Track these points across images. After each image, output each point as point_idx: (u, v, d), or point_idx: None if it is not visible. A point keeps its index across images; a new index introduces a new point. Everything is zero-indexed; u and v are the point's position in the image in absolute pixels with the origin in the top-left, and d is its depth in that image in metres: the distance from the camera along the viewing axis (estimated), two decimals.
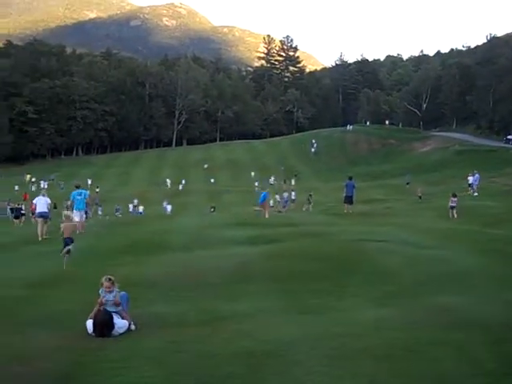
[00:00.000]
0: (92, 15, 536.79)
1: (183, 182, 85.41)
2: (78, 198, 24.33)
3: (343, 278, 11.62)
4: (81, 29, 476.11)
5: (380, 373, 5.89)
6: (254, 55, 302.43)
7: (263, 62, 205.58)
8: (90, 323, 7.99)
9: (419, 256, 13.81)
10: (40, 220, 23.63)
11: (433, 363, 6.10)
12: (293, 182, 78.91)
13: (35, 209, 25.44)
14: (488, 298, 9.52)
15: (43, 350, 7.03)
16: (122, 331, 8.00)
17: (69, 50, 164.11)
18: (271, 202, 50.64)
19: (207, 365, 6.22)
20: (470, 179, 47.49)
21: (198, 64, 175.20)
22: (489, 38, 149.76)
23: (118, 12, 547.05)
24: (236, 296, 10.45)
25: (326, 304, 9.53)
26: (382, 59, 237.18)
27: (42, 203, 24.18)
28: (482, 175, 48.42)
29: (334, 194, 52.59)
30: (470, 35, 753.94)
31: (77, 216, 24.00)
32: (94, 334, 7.87)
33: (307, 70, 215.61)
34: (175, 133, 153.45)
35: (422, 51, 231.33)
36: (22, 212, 43.50)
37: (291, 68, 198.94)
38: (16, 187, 77.67)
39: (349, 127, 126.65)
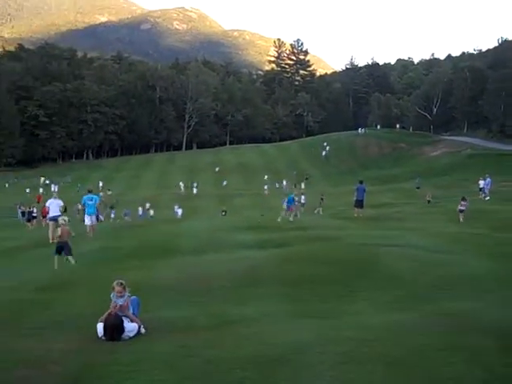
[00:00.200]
0: (103, 19, 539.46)
1: (195, 185, 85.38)
2: (89, 202, 24.55)
3: (353, 282, 11.57)
4: (92, 33, 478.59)
5: (392, 378, 5.85)
6: (264, 59, 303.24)
7: (273, 65, 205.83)
8: (100, 326, 7.99)
9: (430, 260, 13.74)
10: (51, 223, 23.65)
11: (445, 368, 6.06)
12: (303, 186, 78.82)
13: (48, 212, 25.53)
14: (499, 303, 9.45)
15: (53, 354, 7.04)
16: (132, 335, 8.00)
17: (80, 54, 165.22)
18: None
19: (218, 369, 6.20)
20: (481, 183, 47.26)
21: (209, 68, 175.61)
22: (500, 41, 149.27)
23: (129, 16, 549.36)
24: (246, 300, 10.43)
25: (336, 308, 9.49)
26: (392, 63, 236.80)
27: (54, 206, 24.29)
28: (493, 179, 48.17)
29: (344, 198, 52.47)
30: (481, 38, 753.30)
31: (88, 220, 24.20)
32: (104, 338, 7.87)
33: (317, 74, 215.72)
34: (185, 136, 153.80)
35: (432, 55, 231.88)
36: (34, 215, 43.64)
37: (301, 72, 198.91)
38: (27, 190, 78.06)
39: (361, 131, 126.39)
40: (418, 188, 63.39)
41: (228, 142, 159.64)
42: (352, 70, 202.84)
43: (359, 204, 33.32)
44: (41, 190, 76.73)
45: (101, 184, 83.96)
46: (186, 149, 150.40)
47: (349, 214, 36.38)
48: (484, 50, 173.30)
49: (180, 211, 54.94)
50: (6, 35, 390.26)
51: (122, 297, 8.33)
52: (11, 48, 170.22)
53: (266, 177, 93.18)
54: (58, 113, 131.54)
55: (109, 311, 8.22)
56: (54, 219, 23.64)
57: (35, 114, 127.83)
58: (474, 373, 5.98)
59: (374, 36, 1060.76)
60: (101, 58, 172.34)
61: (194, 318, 9.00)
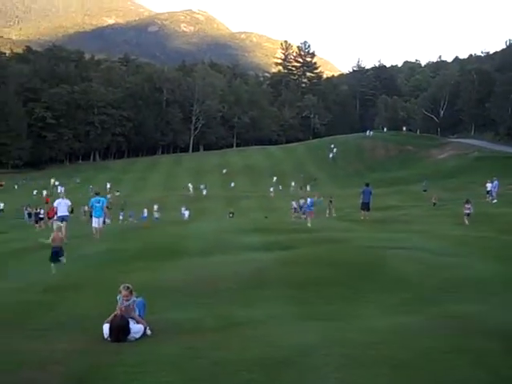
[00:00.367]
0: (110, 21, 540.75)
1: (202, 187, 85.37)
2: (97, 205, 24.76)
3: (359, 285, 11.57)
4: (99, 35, 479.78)
5: (397, 380, 5.86)
6: (271, 61, 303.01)
7: (280, 67, 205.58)
8: (106, 327, 8.01)
9: (436, 263, 13.73)
10: (60, 223, 23.76)
11: (450, 371, 6.06)
12: (308, 189, 78.73)
13: (56, 212, 25.82)
14: (505, 306, 9.44)
15: (58, 354, 7.07)
16: (137, 336, 8.02)
17: (87, 56, 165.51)
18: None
19: (225, 371, 6.22)
20: (489, 186, 47.11)
21: (215, 70, 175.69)
22: (508, 43, 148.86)
23: (137, 18, 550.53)
24: (252, 302, 10.44)
25: (342, 310, 9.49)
26: (399, 65, 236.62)
27: (62, 206, 24.59)
28: (500, 182, 48.02)
29: (350, 201, 52.40)
30: (488, 41, 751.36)
31: (95, 222, 24.39)
32: (109, 339, 7.89)
33: (324, 76, 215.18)
34: (192, 138, 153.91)
35: (440, 57, 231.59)
36: (41, 216, 43.80)
37: (308, 74, 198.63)
38: (34, 192, 78.21)
39: (368, 133, 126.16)
40: (424, 191, 63.18)
41: (235, 144, 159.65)
42: (359, 73, 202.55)
43: (365, 207, 33.28)
44: (44, 193, 76.68)
45: (108, 185, 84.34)
46: (193, 151, 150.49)
47: (355, 216, 36.34)
48: (491, 52, 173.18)
49: (187, 213, 54.86)
50: (14, 37, 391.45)
51: (128, 301, 8.36)
52: (19, 50, 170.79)
53: (274, 179, 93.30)
54: (66, 115, 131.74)
55: (115, 313, 8.26)
56: (63, 219, 23.95)
57: (42, 116, 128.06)
58: (479, 375, 5.99)
59: (381, 38, 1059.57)
60: (108, 60, 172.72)
61: (201, 320, 9.02)
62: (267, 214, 53.89)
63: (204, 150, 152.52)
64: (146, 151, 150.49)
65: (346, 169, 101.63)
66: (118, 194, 75.76)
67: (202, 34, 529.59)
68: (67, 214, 24.77)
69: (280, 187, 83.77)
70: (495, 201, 43.81)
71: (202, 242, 20.85)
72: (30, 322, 9.26)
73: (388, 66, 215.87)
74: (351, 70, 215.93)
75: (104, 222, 28.13)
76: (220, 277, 12.70)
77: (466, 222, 28.49)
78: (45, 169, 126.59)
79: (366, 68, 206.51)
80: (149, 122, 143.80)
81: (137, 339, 7.97)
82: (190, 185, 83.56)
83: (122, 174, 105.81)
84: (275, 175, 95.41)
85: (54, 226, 17.80)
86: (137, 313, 8.45)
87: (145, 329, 8.19)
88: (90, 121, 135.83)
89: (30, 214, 50.24)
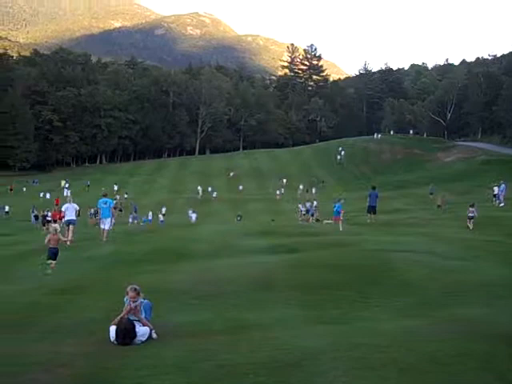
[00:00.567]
0: (117, 24, 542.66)
1: (211, 189, 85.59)
2: (104, 206, 25.16)
3: (366, 288, 11.54)
4: (106, 38, 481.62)
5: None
6: (277, 64, 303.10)
7: (287, 70, 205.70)
8: (112, 330, 8.01)
9: (442, 266, 13.69)
10: (69, 227, 24.51)
11: (457, 374, 6.02)
12: (314, 191, 78.72)
13: (64, 216, 26.30)
14: (511, 309, 9.41)
15: (64, 357, 7.06)
16: (143, 339, 8.01)
17: (94, 59, 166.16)
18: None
19: (231, 374, 6.19)
20: (496, 189, 47.00)
21: (222, 73, 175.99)
22: None
23: (143, 21, 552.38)
24: (259, 305, 10.43)
25: (349, 314, 9.47)
26: (406, 68, 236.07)
27: (70, 210, 25.01)
28: (507, 185, 47.88)
29: (357, 204, 52.38)
30: (496, 44, 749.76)
31: (102, 224, 24.74)
32: (115, 342, 7.89)
33: (331, 79, 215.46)
34: (198, 141, 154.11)
35: (447, 60, 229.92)
36: (48, 219, 43.91)
37: (315, 77, 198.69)
38: (41, 194, 78.43)
39: (377, 136, 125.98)
40: (431, 194, 63.12)
41: (241, 147, 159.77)
42: (366, 76, 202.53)
43: (372, 210, 33.31)
44: (48, 195, 76.79)
45: (116, 187, 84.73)
46: (199, 154, 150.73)
47: (362, 219, 36.31)
48: (499, 55, 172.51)
49: (194, 216, 54.90)
50: (22, 40, 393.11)
51: (135, 302, 8.36)
52: (26, 53, 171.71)
53: (284, 181, 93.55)
54: (72, 117, 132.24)
55: (121, 315, 8.26)
56: (70, 223, 24.31)
57: (49, 119, 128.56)
58: (486, 379, 5.95)
59: (387, 41, 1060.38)
60: (115, 63, 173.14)
61: (208, 323, 9.01)
62: (274, 216, 53.89)
63: (210, 153, 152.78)
64: (153, 154, 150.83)
65: (353, 172, 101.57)
66: (126, 196, 76.04)
67: (208, 36, 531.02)
68: (74, 218, 25.21)
69: (282, 190, 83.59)
70: (502, 204, 43.69)
71: (208, 244, 20.88)
72: (36, 324, 9.28)
73: (395, 68, 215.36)
74: (358, 73, 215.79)
75: (111, 223, 28.37)
76: (227, 279, 12.70)
77: (470, 225, 28.47)
78: (51, 171, 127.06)
79: (373, 71, 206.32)
80: (155, 124, 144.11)
81: (143, 342, 7.96)
82: (199, 187, 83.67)
83: (128, 176, 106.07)
84: (280, 178, 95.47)
85: (50, 229, 18.02)
86: (143, 315, 8.44)
87: (150, 332, 8.18)
88: (97, 124, 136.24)
89: (36, 217, 50.37)
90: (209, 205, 71.70)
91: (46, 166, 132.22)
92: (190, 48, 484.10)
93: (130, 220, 54.22)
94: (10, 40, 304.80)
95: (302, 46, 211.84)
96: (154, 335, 8.17)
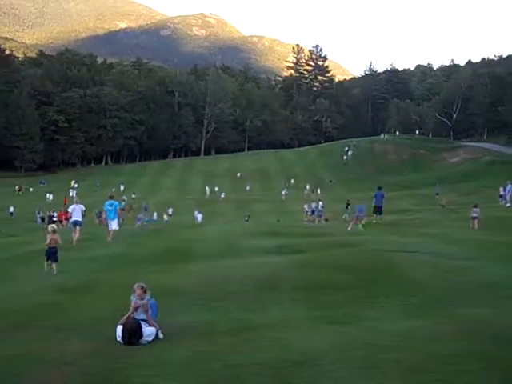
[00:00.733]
0: (123, 25, 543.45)
1: (216, 190, 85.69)
2: (109, 208, 25.37)
3: (372, 289, 11.53)
4: (112, 39, 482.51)
5: (410, 383, 5.82)
6: (283, 65, 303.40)
7: (292, 71, 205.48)
8: (119, 329, 8.02)
9: (448, 267, 13.66)
10: (74, 228, 24.68)
11: (462, 374, 6.01)
12: (319, 192, 78.72)
13: (70, 216, 26.54)
14: None
15: (71, 356, 7.08)
16: (150, 339, 8.02)
17: (100, 60, 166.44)
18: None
19: (237, 374, 6.19)
20: (501, 190, 46.90)
21: (227, 73, 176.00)
22: None
23: (149, 22, 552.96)
24: (265, 305, 10.43)
25: (355, 314, 9.46)
26: (411, 68, 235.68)
27: (77, 211, 25.08)
28: None
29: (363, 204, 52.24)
30: (501, 44, 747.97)
31: (110, 225, 25.13)
32: (122, 342, 7.89)
33: (336, 80, 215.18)
34: (203, 142, 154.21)
35: (452, 61, 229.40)
36: (54, 219, 44.04)
37: (320, 77, 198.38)
38: (47, 195, 78.59)
39: (383, 136, 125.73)
40: (437, 194, 63.11)
41: (246, 148, 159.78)
42: (371, 76, 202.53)
43: (378, 210, 33.28)
44: (51, 197, 76.87)
45: (122, 187, 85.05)
46: (205, 154, 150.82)
47: (367, 220, 36.26)
48: (504, 56, 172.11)
49: (200, 216, 54.87)
50: (28, 41, 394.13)
51: (142, 300, 8.36)
52: (32, 54, 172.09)
53: (292, 181, 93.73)
54: (78, 118, 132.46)
55: (128, 313, 8.27)
56: (76, 223, 24.43)
57: (55, 120, 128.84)
58: (491, 379, 5.94)
59: (393, 42, 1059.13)
60: (120, 63, 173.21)
61: (214, 323, 9.02)
62: (280, 217, 53.92)
63: (216, 153, 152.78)
64: (158, 155, 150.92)
65: (359, 172, 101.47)
66: (134, 196, 76.27)
67: (213, 37, 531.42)
68: (80, 219, 25.22)
69: (286, 191, 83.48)
70: (508, 204, 43.59)
71: (214, 245, 20.89)
72: (42, 323, 9.30)
73: (400, 69, 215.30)
74: (363, 74, 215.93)
75: (118, 224, 28.60)
76: (233, 280, 12.71)
77: (473, 226, 28.45)
78: (57, 172, 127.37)
79: (378, 71, 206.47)
80: (161, 125, 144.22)
81: (149, 342, 7.96)
82: (207, 188, 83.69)
83: (134, 177, 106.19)
84: (288, 178, 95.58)
85: (49, 229, 18.15)
86: (150, 313, 8.44)
87: (157, 332, 8.19)
88: (102, 124, 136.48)
89: (42, 219, 50.43)
90: (215, 205, 71.78)
91: (51, 166, 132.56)
92: (196, 49, 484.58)
93: (138, 222, 54.18)
94: (15, 41, 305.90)
95: (307, 46, 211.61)
96: (161, 335, 8.18)
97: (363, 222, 31.43)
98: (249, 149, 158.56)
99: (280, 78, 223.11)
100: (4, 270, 17.82)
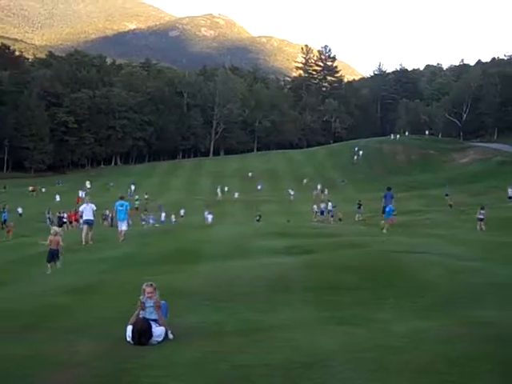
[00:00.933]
0: (132, 26, 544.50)
1: (226, 190, 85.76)
2: (120, 208, 25.59)
3: (381, 290, 11.51)
4: (121, 40, 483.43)
5: None
6: (292, 65, 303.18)
7: (301, 71, 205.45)
8: (129, 329, 8.03)
9: (457, 268, 13.61)
10: (85, 227, 24.90)
11: (473, 377, 5.99)
12: (326, 192, 78.69)
13: (81, 216, 26.79)
14: None
15: (80, 357, 7.10)
16: (160, 339, 8.03)
17: (109, 61, 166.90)
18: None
19: (246, 375, 6.20)
20: (510, 191, 46.73)
21: (236, 74, 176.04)
22: None
23: (157, 23, 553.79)
24: (274, 306, 10.43)
25: (364, 315, 9.44)
26: (421, 68, 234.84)
27: (88, 210, 25.32)
28: None
29: (372, 205, 52.23)
30: (511, 44, 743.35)
31: (121, 226, 25.21)
32: (131, 342, 7.91)
33: (345, 80, 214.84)
34: (212, 142, 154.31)
35: (462, 60, 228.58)
36: (64, 220, 44.23)
37: (329, 78, 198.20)
38: (56, 196, 78.81)
39: (394, 136, 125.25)
40: (446, 195, 62.97)
41: (255, 149, 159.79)
42: (380, 76, 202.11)
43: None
44: (58, 198, 77.05)
45: (133, 187, 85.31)
46: (214, 155, 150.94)
47: (377, 220, 36.21)
48: None
49: (210, 217, 54.89)
50: (37, 43, 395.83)
51: (151, 298, 8.38)
52: (42, 55, 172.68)
53: (305, 181, 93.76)
54: (87, 119, 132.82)
55: (137, 312, 8.29)
56: (87, 223, 24.57)
57: (64, 121, 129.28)
58: (500, 382, 5.93)
59: (402, 42, 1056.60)
60: (129, 64, 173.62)
61: (223, 324, 9.03)
62: (289, 217, 53.91)
63: (225, 154, 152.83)
64: (167, 155, 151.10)
65: (368, 173, 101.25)
66: (146, 196, 76.54)
67: (222, 38, 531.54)
68: (92, 218, 25.53)
69: (292, 192, 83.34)
70: None
71: (223, 245, 20.90)
72: (52, 324, 9.32)
73: (409, 69, 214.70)
74: (372, 74, 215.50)
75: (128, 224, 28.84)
76: (242, 281, 12.71)
77: (482, 227, 28.38)
78: (66, 173, 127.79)
79: (388, 72, 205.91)
80: (170, 126, 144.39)
81: (159, 342, 7.98)
82: (218, 189, 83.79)
83: (143, 177, 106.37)
84: (296, 179, 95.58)
85: (51, 231, 18.31)
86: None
87: (166, 332, 8.20)
88: (112, 125, 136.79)
89: (50, 220, 50.50)
90: (225, 205, 71.84)
91: (60, 167, 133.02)
92: (204, 49, 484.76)
93: (151, 221, 54.29)
94: (25, 42, 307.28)
95: (316, 47, 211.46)
96: (171, 336, 8.19)
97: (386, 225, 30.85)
98: (258, 149, 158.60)
99: (289, 79, 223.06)
100: (15, 271, 17.93)
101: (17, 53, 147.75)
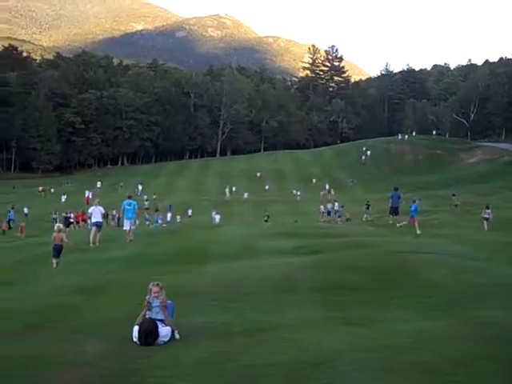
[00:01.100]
0: (139, 27, 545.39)
1: (234, 190, 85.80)
2: (128, 207, 25.80)
3: (388, 290, 11.50)
4: (128, 40, 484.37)
5: None
6: (298, 65, 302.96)
7: (308, 72, 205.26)
8: (136, 329, 8.04)
9: (464, 268, 13.58)
10: (94, 229, 25.07)
11: (481, 377, 5.97)
12: (332, 192, 78.63)
13: (90, 218, 27.06)
14: None
15: (86, 357, 7.12)
16: (166, 340, 8.03)
17: (116, 62, 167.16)
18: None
19: (253, 375, 6.20)
20: None
21: (243, 74, 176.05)
22: None
23: (164, 24, 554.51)
24: (281, 306, 10.43)
25: (371, 315, 9.43)
26: (428, 68, 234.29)
27: (97, 212, 25.57)
28: None
29: (379, 205, 52.15)
30: None
31: (126, 225, 25.32)
32: (138, 342, 7.92)
33: (352, 80, 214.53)
34: (219, 143, 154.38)
35: (469, 60, 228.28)
36: (71, 220, 44.36)
37: (336, 78, 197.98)
38: (62, 196, 79.03)
39: (402, 136, 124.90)
40: (453, 195, 62.76)
41: (262, 149, 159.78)
42: (387, 76, 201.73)
43: (394, 211, 33.11)
44: (63, 198, 77.25)
45: (140, 187, 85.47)
46: (221, 155, 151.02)
47: (384, 221, 36.16)
48: None
49: (218, 217, 54.95)
50: (45, 44, 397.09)
51: (158, 298, 8.39)
52: (49, 56, 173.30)
53: (314, 180, 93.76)
54: (94, 120, 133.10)
55: (143, 312, 8.30)
56: (96, 225, 24.74)
57: (72, 121, 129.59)
58: (506, 382, 5.91)
59: (409, 42, 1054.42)
60: (136, 65, 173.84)
61: (230, 324, 9.03)
62: (296, 217, 53.87)
63: (231, 154, 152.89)
64: (174, 156, 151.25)
65: (375, 173, 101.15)
66: (154, 196, 76.76)
67: (229, 38, 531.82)
68: (101, 220, 25.97)
69: (299, 192, 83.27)
70: None
71: (230, 246, 20.91)
72: (58, 324, 9.34)
73: (417, 69, 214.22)
74: (379, 74, 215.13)
75: (135, 223, 29.10)
76: (249, 281, 12.72)
77: (485, 227, 28.30)
78: (73, 173, 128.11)
79: (395, 72, 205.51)
80: (177, 126, 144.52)
81: (165, 342, 7.99)
82: (227, 189, 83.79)
83: (150, 178, 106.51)
84: (303, 179, 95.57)
85: (55, 227, 18.45)
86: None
87: (173, 332, 8.21)
88: (119, 126, 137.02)
89: (56, 220, 50.56)
90: (232, 206, 71.85)
91: (67, 168, 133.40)
92: (211, 50, 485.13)
93: (159, 221, 54.36)
94: (33, 43, 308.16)
95: (323, 47, 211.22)
96: (177, 336, 8.19)
97: (405, 222, 30.46)
98: (265, 149, 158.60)
99: (296, 79, 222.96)
100: (22, 271, 17.97)
101: (24, 54, 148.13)
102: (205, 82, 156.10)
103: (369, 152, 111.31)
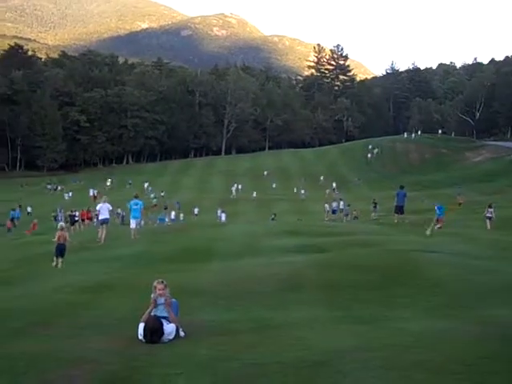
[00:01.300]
0: (144, 26, 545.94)
1: (240, 188, 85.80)
2: (135, 207, 26.16)
3: (393, 289, 11.47)
4: (133, 39, 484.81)
5: None
6: (303, 64, 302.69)
7: (313, 70, 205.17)
8: (141, 327, 8.04)
9: (470, 267, 13.55)
10: (104, 226, 25.52)
11: (488, 377, 5.94)
12: (336, 191, 78.51)
13: (98, 215, 27.37)
14: None
15: (93, 354, 7.12)
16: (171, 337, 8.03)
17: (121, 60, 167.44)
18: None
19: (258, 374, 6.18)
20: None
21: (248, 73, 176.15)
22: None
23: (170, 22, 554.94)
24: (286, 305, 10.42)
25: (376, 314, 9.41)
26: (434, 67, 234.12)
27: (104, 210, 25.91)
28: None
29: (384, 204, 52.07)
30: None
31: (132, 224, 25.57)
32: (143, 339, 7.92)
33: (357, 79, 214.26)
34: (224, 141, 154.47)
35: (475, 59, 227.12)
36: (76, 218, 44.40)
37: (341, 77, 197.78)
38: (65, 194, 79.16)
39: (408, 135, 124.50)
40: (459, 194, 62.66)
41: (267, 147, 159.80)
42: (393, 75, 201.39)
43: (399, 210, 33.08)
44: (66, 196, 77.42)
45: (146, 185, 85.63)
46: (225, 154, 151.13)
47: (389, 219, 36.09)
48: None
49: (224, 215, 54.87)
50: (50, 42, 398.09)
51: (162, 295, 8.39)
52: (55, 55, 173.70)
53: (321, 177, 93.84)
54: (99, 118, 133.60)
55: (148, 310, 8.30)
56: (104, 222, 24.97)
57: (77, 120, 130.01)
58: None
59: (415, 41, 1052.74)
60: (142, 64, 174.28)
61: (235, 322, 9.01)
62: (301, 216, 53.84)
63: (236, 152, 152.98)
64: (179, 154, 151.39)
65: (380, 171, 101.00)
66: (162, 194, 76.94)
67: (234, 37, 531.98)
68: (108, 217, 26.28)
69: (303, 191, 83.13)
70: None
71: (235, 244, 20.92)
72: (65, 321, 9.37)
73: (422, 68, 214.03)
74: (385, 73, 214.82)
75: (140, 222, 29.30)
76: (254, 279, 12.71)
77: (488, 226, 28.24)
78: (78, 172, 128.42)
79: (400, 70, 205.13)
80: (181, 125, 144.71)
81: (170, 340, 7.98)
82: (233, 187, 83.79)
83: (155, 176, 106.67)
84: (308, 178, 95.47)
85: (58, 226, 18.55)
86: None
87: (177, 330, 8.20)
88: (124, 124, 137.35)
89: (59, 218, 50.60)
90: (238, 204, 71.87)
91: (73, 166, 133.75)
92: (216, 49, 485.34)
93: (166, 219, 54.39)
94: (38, 42, 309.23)
95: (328, 46, 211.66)
96: (182, 333, 8.19)
97: (439, 225, 29.81)
98: (269, 148, 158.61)
99: (301, 78, 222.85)
100: (27, 269, 18.03)
101: (30, 53, 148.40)
102: (210, 81, 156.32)
103: (375, 150, 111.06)
